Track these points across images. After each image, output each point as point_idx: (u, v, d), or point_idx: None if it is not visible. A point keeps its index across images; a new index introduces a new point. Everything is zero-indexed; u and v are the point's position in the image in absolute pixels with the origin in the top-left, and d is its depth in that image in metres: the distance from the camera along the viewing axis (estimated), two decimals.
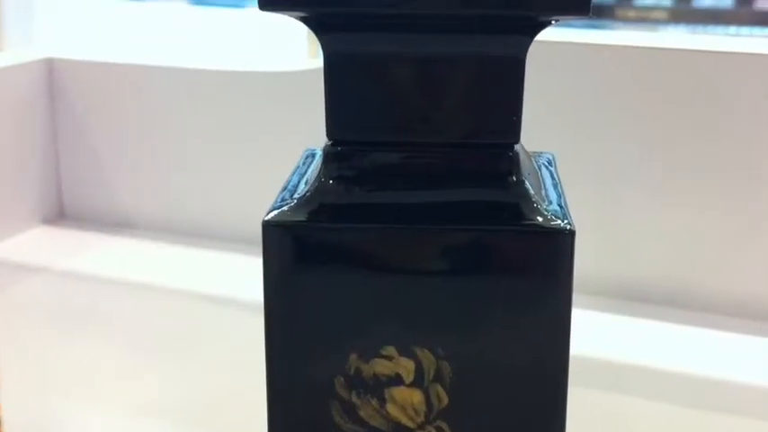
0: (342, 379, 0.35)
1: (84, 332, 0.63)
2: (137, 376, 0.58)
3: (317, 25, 0.34)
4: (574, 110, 0.67)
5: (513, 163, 0.35)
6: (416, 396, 0.35)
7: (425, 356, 0.35)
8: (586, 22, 0.73)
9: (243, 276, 0.68)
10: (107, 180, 0.83)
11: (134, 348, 0.61)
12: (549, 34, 0.38)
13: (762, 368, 0.59)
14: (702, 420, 0.54)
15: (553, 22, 0.34)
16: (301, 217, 0.35)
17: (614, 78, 0.66)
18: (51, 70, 0.82)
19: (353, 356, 0.35)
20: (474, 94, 0.35)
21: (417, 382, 0.35)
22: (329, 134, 0.36)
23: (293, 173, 0.39)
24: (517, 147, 0.35)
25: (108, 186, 0.83)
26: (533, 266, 0.34)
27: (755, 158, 0.64)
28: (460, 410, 0.35)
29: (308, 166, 0.39)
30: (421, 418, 0.35)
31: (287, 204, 0.35)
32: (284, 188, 0.37)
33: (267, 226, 0.35)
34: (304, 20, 0.34)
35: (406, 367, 0.35)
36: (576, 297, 0.35)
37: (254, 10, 0.35)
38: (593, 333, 0.63)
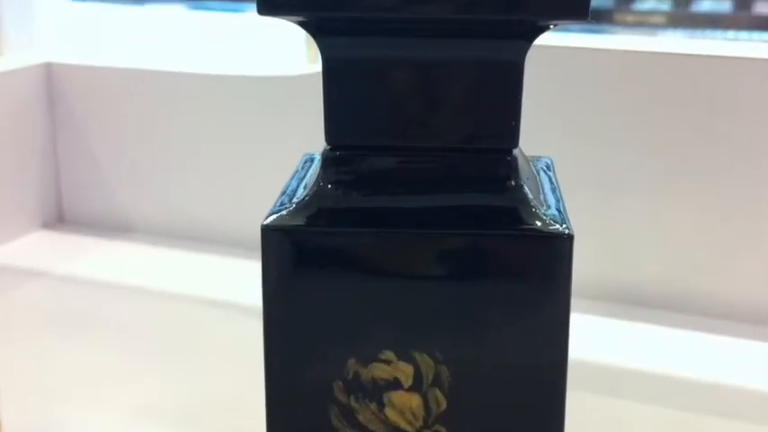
0: (340, 383, 0.35)
1: (83, 336, 0.63)
2: (136, 380, 0.58)
3: (316, 30, 0.34)
4: (572, 114, 0.67)
5: (511, 167, 0.35)
6: (415, 400, 0.35)
7: (424, 361, 0.35)
8: (585, 26, 0.73)
9: (242, 280, 0.68)
10: (106, 184, 0.83)
11: (133, 352, 0.61)
12: (547, 39, 0.38)
13: (759, 372, 0.59)
14: (700, 424, 0.54)
15: (551, 26, 0.34)
16: (300, 221, 0.35)
17: (613, 83, 0.66)
18: (50, 75, 0.82)
19: (352, 361, 0.35)
20: (472, 99, 0.35)
21: (416, 387, 0.35)
22: (328, 139, 0.36)
23: (292, 177, 0.39)
24: (515, 151, 0.35)
25: (107, 191, 0.83)
26: (532, 271, 0.35)
27: (754, 162, 0.64)
28: (459, 415, 0.35)
29: (307, 171, 0.39)
30: (419, 423, 0.35)
31: (286, 209, 0.35)
32: (283, 192, 0.37)
33: (266, 230, 0.35)
34: (303, 24, 0.35)
35: (404, 371, 0.35)
36: (574, 301, 0.35)
37: (252, 14, 0.35)
38: (591, 337, 0.63)
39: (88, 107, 0.82)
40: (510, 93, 0.35)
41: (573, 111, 0.67)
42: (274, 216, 0.35)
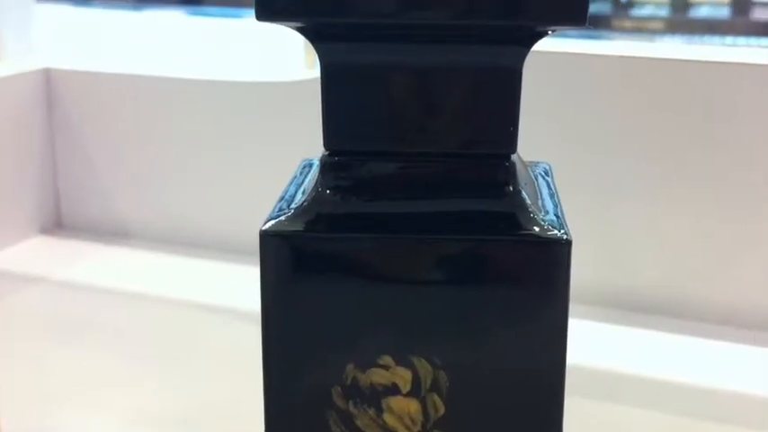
0: (339, 388, 0.35)
1: (81, 341, 0.63)
2: (134, 385, 0.58)
3: (314, 35, 0.34)
4: (570, 120, 0.67)
5: (509, 173, 0.35)
6: (413, 406, 0.35)
7: (422, 366, 0.35)
8: (583, 32, 0.73)
9: (240, 286, 0.68)
10: (104, 190, 0.83)
11: (131, 357, 0.61)
12: (545, 44, 0.38)
13: (757, 377, 0.59)
14: (698, 429, 0.54)
15: (550, 32, 0.34)
16: (298, 227, 0.35)
17: (611, 88, 0.66)
18: (49, 80, 0.82)
19: (350, 366, 0.35)
20: (471, 105, 0.35)
21: (414, 392, 0.35)
22: (326, 144, 0.36)
23: (290, 183, 0.39)
24: (514, 157, 0.36)
25: (105, 196, 0.83)
26: (530, 276, 0.35)
27: (751, 168, 0.64)
28: (457, 420, 0.35)
29: (306, 176, 0.39)
30: (418, 428, 0.35)
31: (284, 214, 0.35)
32: (281, 198, 0.37)
33: (264, 235, 0.35)
34: (301, 30, 0.35)
35: (402, 377, 0.35)
36: (572, 306, 0.35)
37: (251, 20, 0.35)
38: (589, 342, 0.63)
39: (86, 113, 0.82)
40: (508, 98, 0.35)
41: (571, 116, 0.67)
42: (273, 222, 0.35)
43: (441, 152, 0.35)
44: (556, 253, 0.34)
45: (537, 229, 0.34)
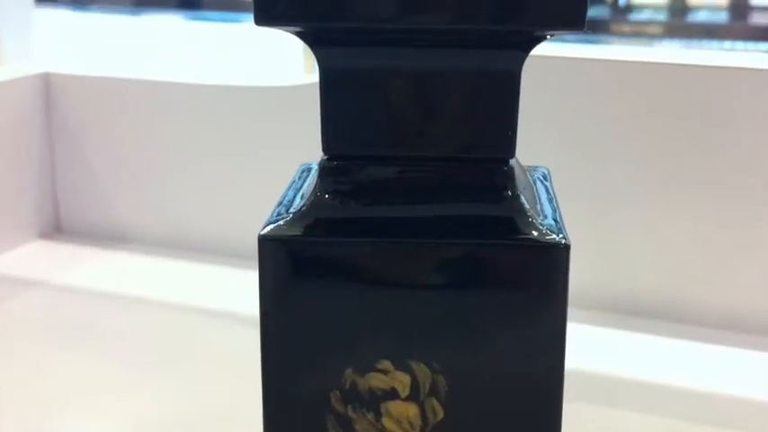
0: (337, 393, 0.35)
1: (80, 346, 0.63)
2: (133, 390, 0.58)
3: (313, 40, 0.34)
4: (568, 124, 0.67)
5: (508, 177, 0.35)
6: (412, 410, 0.35)
7: (421, 370, 0.35)
8: (581, 36, 0.73)
9: (239, 290, 0.68)
10: (103, 194, 0.83)
11: (130, 362, 0.61)
12: (544, 49, 0.38)
13: (755, 381, 0.59)
14: None
15: (548, 36, 0.34)
16: (297, 231, 0.35)
17: (609, 93, 0.66)
18: (48, 85, 0.82)
19: (349, 370, 0.35)
20: (469, 109, 0.35)
21: (413, 396, 0.35)
22: (325, 149, 0.36)
23: (289, 187, 0.39)
24: (512, 161, 0.36)
25: (104, 201, 0.83)
26: (529, 280, 0.35)
27: (749, 172, 0.64)
28: (456, 424, 0.35)
29: (304, 181, 0.39)
30: None
31: (283, 219, 0.35)
32: (280, 203, 0.37)
33: (263, 240, 0.35)
34: (300, 35, 0.35)
35: (401, 381, 0.35)
36: (570, 311, 0.35)
37: (250, 25, 0.35)
38: (587, 347, 0.63)
39: (85, 117, 0.82)
40: (507, 103, 0.35)
41: (569, 121, 0.67)
42: (271, 226, 0.35)
43: (439, 156, 0.35)
44: (554, 257, 0.34)
45: (535, 233, 0.34)
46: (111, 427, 0.54)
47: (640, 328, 0.66)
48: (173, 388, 0.58)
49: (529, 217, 0.35)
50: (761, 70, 0.63)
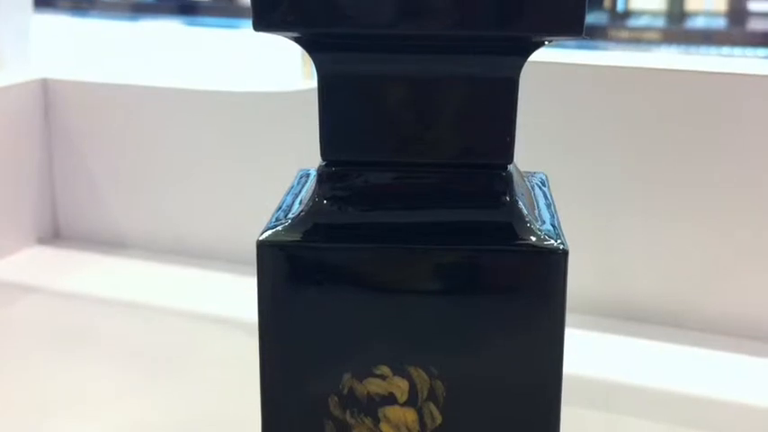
0: (336, 398, 0.35)
1: (78, 352, 0.63)
2: (131, 396, 0.58)
3: (311, 46, 0.34)
4: (567, 130, 0.67)
5: (506, 183, 0.35)
6: (410, 415, 0.35)
7: (419, 375, 0.35)
8: (580, 42, 0.73)
9: (238, 296, 0.68)
10: (102, 200, 0.83)
11: (129, 368, 0.61)
12: (542, 55, 0.38)
13: (753, 387, 0.59)
14: None
15: (546, 42, 0.35)
16: (295, 237, 0.35)
17: (607, 99, 0.66)
18: (46, 90, 0.82)
19: (347, 376, 0.35)
20: (467, 115, 0.35)
21: (411, 402, 0.35)
22: (323, 154, 0.36)
23: (287, 193, 0.39)
24: (510, 167, 0.36)
25: (103, 207, 0.83)
26: (527, 286, 0.35)
27: (749, 177, 0.64)
28: (454, 429, 0.35)
29: (303, 187, 0.39)
30: None
31: (281, 224, 0.35)
32: (279, 208, 0.37)
33: (261, 246, 0.35)
34: (298, 40, 0.35)
35: (399, 386, 0.35)
36: (568, 316, 0.35)
37: (248, 31, 0.35)
38: (585, 352, 0.63)
39: (84, 123, 0.82)
40: (505, 108, 0.35)
41: (567, 127, 0.67)
42: (270, 232, 0.35)
43: (437, 162, 0.35)
44: (552, 263, 0.34)
45: (533, 238, 0.34)
46: None
47: (638, 333, 0.66)
48: (171, 393, 0.58)
49: (527, 222, 0.35)
50: (760, 76, 0.63)
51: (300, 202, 0.37)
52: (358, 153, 0.35)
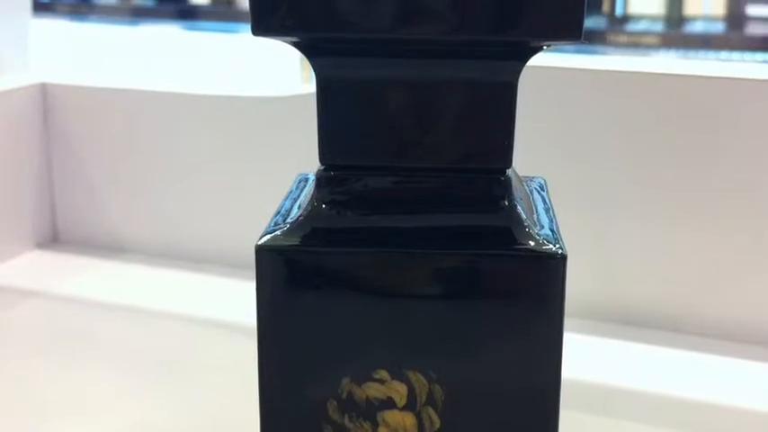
0: (334, 402, 0.35)
1: (78, 356, 0.63)
2: (131, 400, 0.58)
3: (310, 50, 0.35)
4: (565, 134, 0.67)
5: (505, 188, 0.35)
6: (409, 419, 0.35)
7: (418, 380, 0.35)
8: (578, 47, 0.73)
9: (236, 300, 0.68)
10: (101, 205, 0.83)
11: (128, 372, 0.61)
12: (540, 59, 0.38)
13: (752, 392, 0.59)
14: None
15: (545, 47, 0.35)
16: (294, 241, 0.35)
17: (605, 103, 0.66)
18: (45, 95, 0.82)
19: (346, 380, 0.35)
20: (466, 119, 0.35)
21: (410, 406, 0.35)
22: (322, 159, 0.36)
23: (286, 197, 0.39)
24: (509, 171, 0.36)
25: (102, 211, 0.83)
26: (525, 290, 0.35)
27: (747, 181, 0.64)
28: None
29: (301, 191, 0.39)
30: None
31: (280, 229, 0.35)
32: (277, 213, 0.37)
33: (260, 250, 0.35)
34: (297, 45, 0.35)
35: (398, 391, 0.35)
36: (567, 320, 0.35)
37: (247, 35, 0.35)
38: (584, 356, 0.63)
39: (83, 127, 0.82)
40: (504, 113, 0.35)
41: (566, 131, 0.67)
42: (268, 236, 0.35)
43: (436, 167, 0.35)
44: (551, 267, 0.34)
45: (532, 243, 0.34)
46: None
47: (637, 337, 0.66)
48: (170, 398, 0.58)
49: (525, 227, 0.35)
50: (759, 81, 0.63)
51: (299, 207, 0.37)
52: (357, 157, 0.35)
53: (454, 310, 0.35)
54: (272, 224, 0.36)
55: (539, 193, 0.40)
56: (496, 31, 0.33)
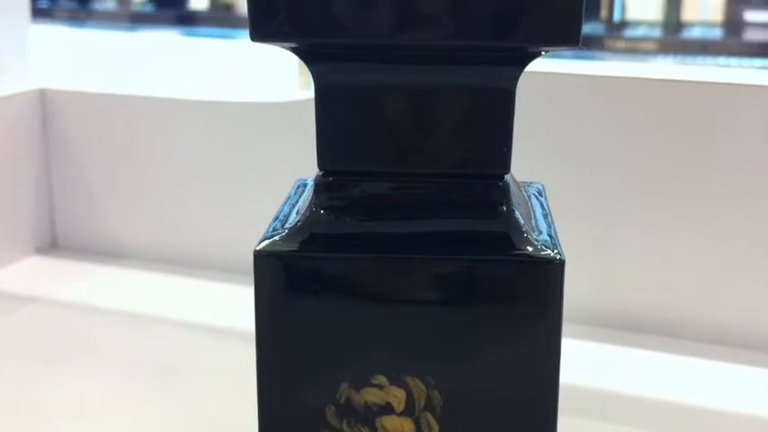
0: (333, 408, 0.35)
1: (76, 361, 0.63)
2: (129, 406, 0.58)
3: (308, 56, 0.35)
4: (563, 140, 0.67)
5: (503, 193, 0.35)
6: (407, 425, 0.35)
7: (416, 385, 0.35)
8: (576, 52, 0.73)
9: (235, 306, 0.68)
10: (100, 210, 0.83)
11: (127, 377, 0.61)
12: (539, 65, 0.38)
13: (750, 397, 0.59)
14: None
15: (543, 52, 0.35)
16: (292, 246, 0.35)
17: (604, 109, 0.66)
18: (44, 101, 0.82)
19: (344, 385, 0.35)
20: (464, 125, 0.35)
21: (408, 411, 0.35)
22: (320, 164, 0.36)
23: (285, 203, 0.39)
24: (507, 177, 0.36)
25: (101, 217, 0.83)
26: (523, 296, 0.35)
27: (745, 187, 0.64)
28: None
29: (300, 196, 0.39)
30: None
31: (278, 234, 0.36)
32: (276, 218, 0.37)
33: (258, 255, 0.35)
34: (295, 51, 0.35)
35: (396, 396, 0.35)
36: (565, 326, 0.35)
37: (245, 41, 0.36)
38: (582, 362, 0.63)
39: (82, 133, 0.82)
40: (502, 119, 0.35)
41: (564, 136, 0.67)
42: (267, 241, 0.35)
43: (434, 172, 0.35)
44: (549, 272, 0.34)
45: (530, 248, 0.35)
46: None
47: (635, 342, 0.66)
48: (169, 403, 0.58)
49: (524, 232, 0.35)
50: (756, 86, 0.63)
51: (297, 212, 0.37)
52: (355, 163, 0.35)
53: (452, 315, 0.35)
54: (271, 229, 0.36)
55: (537, 198, 0.40)
56: (495, 37, 0.33)
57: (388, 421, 0.35)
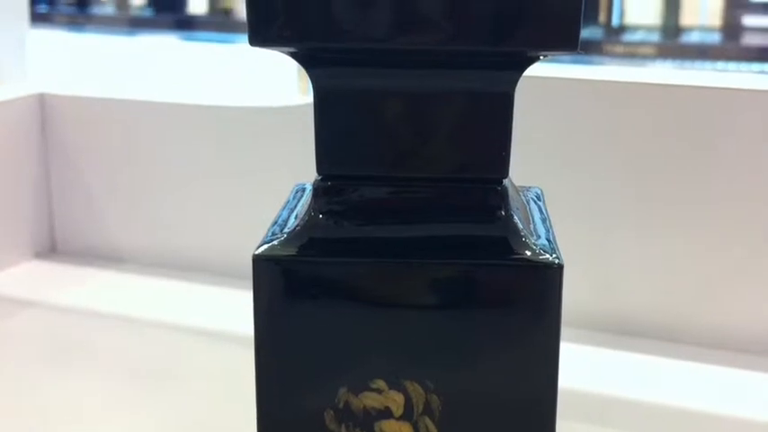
0: (331, 412, 0.35)
1: (75, 366, 0.63)
2: (128, 410, 0.58)
3: (307, 61, 0.35)
4: (562, 144, 0.67)
5: (501, 197, 0.35)
6: (406, 429, 0.35)
7: (415, 390, 0.35)
8: (575, 57, 0.73)
9: (234, 310, 0.68)
10: (99, 214, 0.83)
11: (126, 382, 0.61)
12: (537, 69, 0.38)
13: (749, 401, 0.59)
14: None
15: (542, 57, 0.35)
16: (291, 251, 0.35)
17: (602, 113, 0.66)
18: (43, 105, 0.82)
19: (343, 390, 0.35)
20: (463, 129, 0.35)
21: (407, 416, 0.35)
22: (319, 169, 0.36)
23: (283, 207, 0.39)
24: (506, 181, 0.36)
25: (100, 221, 0.83)
26: (522, 300, 0.35)
27: (744, 192, 0.64)
28: None
29: (298, 201, 0.39)
30: None
31: (277, 239, 0.36)
32: (274, 222, 0.37)
33: (257, 260, 0.35)
34: (294, 55, 0.35)
35: (395, 400, 0.35)
36: (564, 330, 0.35)
37: (244, 46, 0.36)
38: (581, 366, 0.63)
39: (81, 138, 0.82)
40: (500, 123, 0.35)
41: (563, 141, 0.67)
42: (266, 246, 0.35)
43: (433, 177, 0.35)
44: (547, 277, 0.34)
45: (529, 253, 0.35)
46: None
47: (633, 347, 0.66)
48: (167, 408, 0.58)
49: (522, 237, 0.35)
50: (755, 91, 0.63)
51: (296, 217, 0.37)
52: (354, 167, 0.35)
53: (451, 319, 0.35)
54: (270, 234, 0.36)
55: (535, 202, 0.40)
56: (493, 42, 0.33)
57: (387, 426, 0.35)
